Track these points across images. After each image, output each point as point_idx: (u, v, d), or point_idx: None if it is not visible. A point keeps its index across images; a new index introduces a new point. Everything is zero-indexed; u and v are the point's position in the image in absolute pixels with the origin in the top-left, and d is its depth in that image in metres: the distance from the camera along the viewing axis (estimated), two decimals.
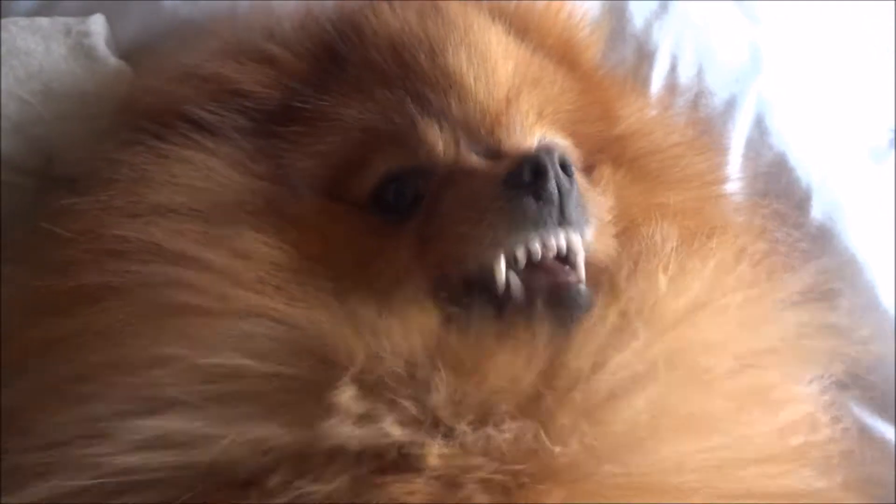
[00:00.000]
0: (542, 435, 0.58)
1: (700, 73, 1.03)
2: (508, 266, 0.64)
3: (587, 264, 0.68)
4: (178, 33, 0.91)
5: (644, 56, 1.02)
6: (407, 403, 0.58)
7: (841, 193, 1.03)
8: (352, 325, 0.61)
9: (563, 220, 0.65)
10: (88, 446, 0.57)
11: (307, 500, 0.56)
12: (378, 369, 0.59)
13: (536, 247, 0.64)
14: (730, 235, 0.82)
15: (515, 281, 0.64)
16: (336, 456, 0.57)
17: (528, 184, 0.64)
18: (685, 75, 1.03)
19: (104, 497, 0.57)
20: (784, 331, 0.74)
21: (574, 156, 0.78)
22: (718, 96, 1.03)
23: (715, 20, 1.08)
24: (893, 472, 0.94)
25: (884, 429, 0.96)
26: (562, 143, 0.78)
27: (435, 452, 0.58)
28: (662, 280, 0.69)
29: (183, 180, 0.72)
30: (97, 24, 0.86)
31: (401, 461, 0.57)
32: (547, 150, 0.67)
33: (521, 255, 0.64)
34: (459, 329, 0.62)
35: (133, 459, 0.56)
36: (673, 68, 1.03)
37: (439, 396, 0.59)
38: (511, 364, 0.61)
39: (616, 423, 0.60)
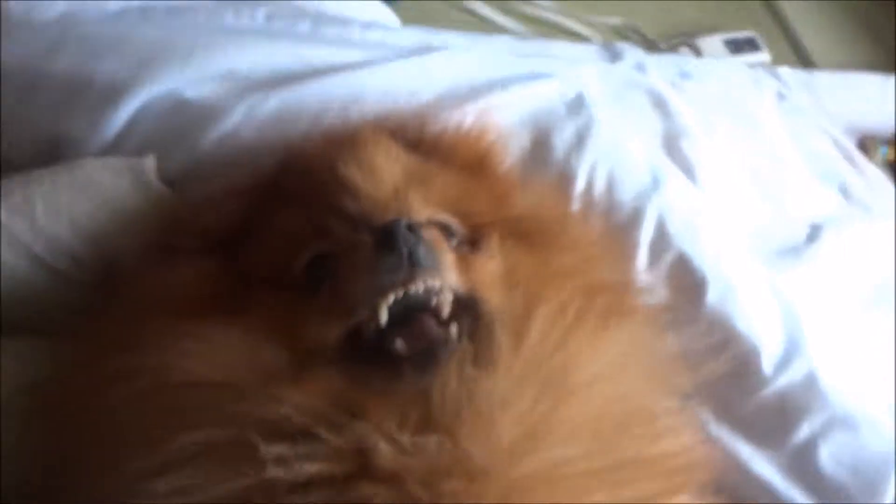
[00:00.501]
0: (451, 442, 0.72)
1: (610, 190, 1.25)
2: (391, 311, 0.81)
3: (481, 312, 0.85)
4: (209, 168, 1.17)
5: (565, 178, 1.25)
6: (316, 446, 0.73)
7: (733, 281, 1.21)
8: (271, 393, 0.77)
9: (415, 265, 0.81)
10: (133, 496, 0.74)
11: None
12: (290, 426, 0.74)
13: (399, 288, 0.81)
14: (607, 291, 0.96)
15: (401, 344, 0.81)
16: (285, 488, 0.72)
17: (385, 244, 0.82)
18: (598, 192, 1.25)
19: None
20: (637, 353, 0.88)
21: (458, 229, 0.95)
22: (626, 208, 1.24)
23: (622, 149, 1.32)
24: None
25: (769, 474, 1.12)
26: (446, 219, 0.95)
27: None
28: (535, 322, 0.84)
29: (166, 289, 0.94)
30: (150, 163, 1.11)
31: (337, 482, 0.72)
32: (395, 220, 0.83)
33: (391, 296, 0.81)
34: (357, 384, 0.79)
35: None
36: (589, 186, 1.25)
37: (344, 438, 0.74)
38: (399, 404, 0.76)
39: (501, 434, 0.73)
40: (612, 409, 0.81)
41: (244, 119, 1.19)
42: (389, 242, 0.82)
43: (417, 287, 0.82)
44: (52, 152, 1.18)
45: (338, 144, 1.02)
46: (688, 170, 1.43)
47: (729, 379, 1.09)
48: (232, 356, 0.83)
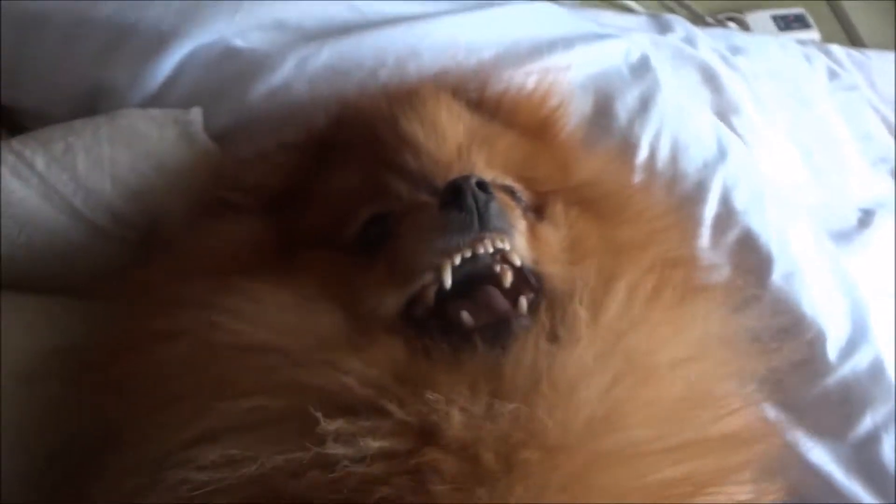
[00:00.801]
0: (527, 414, 0.69)
1: (674, 160, 1.20)
2: (455, 277, 0.77)
3: (544, 285, 0.82)
4: (256, 123, 1.11)
5: (628, 146, 1.19)
6: (380, 420, 0.70)
7: (798, 260, 1.17)
8: (329, 361, 0.73)
9: (484, 226, 0.77)
10: (177, 468, 0.70)
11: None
12: (351, 398, 0.71)
13: (467, 249, 0.77)
14: (679, 266, 0.93)
15: (467, 317, 0.77)
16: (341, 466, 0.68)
17: (452, 201, 0.78)
18: (662, 161, 1.19)
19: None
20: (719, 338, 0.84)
21: (522, 195, 0.92)
22: (690, 179, 1.19)
23: (687, 116, 1.25)
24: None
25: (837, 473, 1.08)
26: (510, 184, 0.91)
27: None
28: (613, 298, 0.80)
29: (214, 246, 0.91)
30: (197, 115, 1.06)
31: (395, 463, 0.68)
32: (464, 176, 0.80)
33: (457, 257, 0.77)
34: (422, 355, 0.74)
35: (206, 476, 0.69)
36: (652, 155, 1.20)
37: (410, 411, 0.70)
38: (468, 375, 0.72)
39: (579, 409, 0.71)
40: (689, 392, 0.78)
41: (295, 71, 1.13)
42: (458, 200, 0.77)
43: (486, 248, 0.79)
44: (91, 105, 1.13)
45: (398, 100, 0.97)
46: None
47: (792, 365, 1.02)
48: (285, 319, 0.79)
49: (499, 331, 0.76)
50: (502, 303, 0.78)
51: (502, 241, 0.79)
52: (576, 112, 1.14)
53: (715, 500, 0.72)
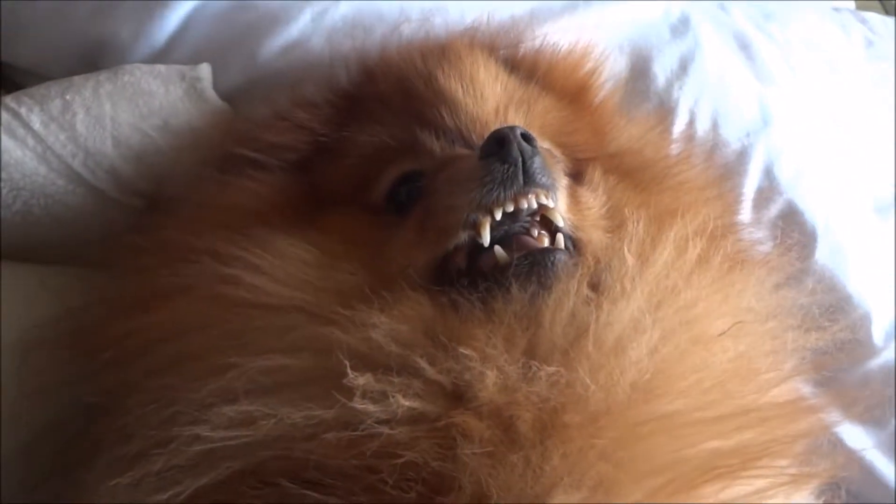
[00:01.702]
0: (568, 377, 0.64)
1: (715, 127, 1.13)
2: (492, 235, 0.72)
3: (581, 249, 0.77)
4: (269, 82, 1.03)
5: (665, 112, 1.11)
6: (410, 380, 0.65)
7: (842, 237, 1.11)
8: (356, 317, 0.68)
9: (529, 181, 0.73)
10: (190, 425, 0.65)
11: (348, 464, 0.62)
12: (379, 355, 0.66)
13: (509, 203, 0.72)
14: (725, 237, 0.86)
15: (500, 251, 0.72)
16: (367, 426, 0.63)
17: (495, 152, 0.73)
18: (702, 128, 1.12)
19: (209, 464, 0.65)
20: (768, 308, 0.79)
21: (561, 158, 0.87)
22: (731, 148, 1.12)
23: (729, 81, 1.17)
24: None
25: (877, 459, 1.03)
26: (549, 147, 0.86)
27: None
28: (661, 253, 0.75)
29: (235, 201, 0.85)
30: (206, 71, 0.99)
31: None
32: (510, 126, 0.75)
33: (498, 212, 0.72)
34: (452, 310, 0.69)
35: (220, 435, 0.65)
36: (691, 122, 1.12)
37: (443, 369, 0.65)
38: (503, 328, 0.67)
39: (625, 371, 0.66)
40: (736, 362, 0.73)
41: (312, 25, 1.05)
42: (502, 151, 0.72)
43: (530, 203, 0.74)
44: (92, 63, 1.04)
45: (432, 55, 0.91)
46: None
47: (835, 345, 0.96)
48: (307, 275, 0.74)
49: (536, 264, 0.71)
50: (534, 242, 0.74)
51: (546, 196, 0.74)
52: (611, 74, 1.06)
53: (762, 475, 0.67)
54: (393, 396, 0.63)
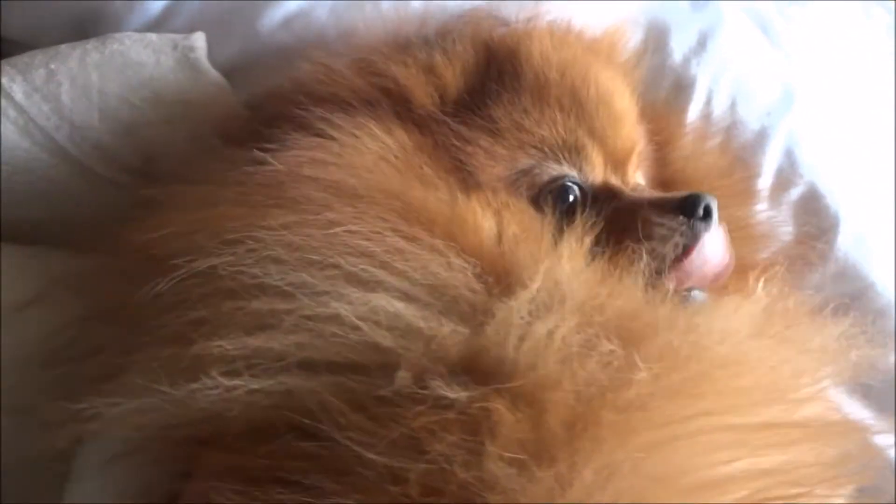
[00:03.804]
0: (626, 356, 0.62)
1: (733, 106, 1.06)
2: None
3: None
4: (272, 56, 0.96)
5: (682, 89, 1.05)
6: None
7: (866, 224, 1.04)
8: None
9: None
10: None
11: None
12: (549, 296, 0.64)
13: None
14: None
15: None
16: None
17: (699, 217, 0.78)
18: (719, 108, 1.05)
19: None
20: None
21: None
22: (750, 128, 1.05)
23: (749, 58, 1.10)
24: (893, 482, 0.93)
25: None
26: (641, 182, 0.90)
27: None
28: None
29: (372, 147, 0.77)
30: (200, 41, 0.91)
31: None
32: (710, 196, 0.80)
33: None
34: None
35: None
36: (708, 101, 1.05)
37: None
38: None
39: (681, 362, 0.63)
40: (770, 373, 0.69)
41: None
42: (706, 218, 0.79)
43: None
44: (86, 34, 0.96)
45: (594, 51, 0.91)
46: None
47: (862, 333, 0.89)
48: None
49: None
50: None
51: None
52: (625, 46, 0.99)
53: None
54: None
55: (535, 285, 0.64)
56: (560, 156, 0.83)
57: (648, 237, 0.77)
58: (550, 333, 0.62)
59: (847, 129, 1.20)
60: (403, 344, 0.61)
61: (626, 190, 0.85)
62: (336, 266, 0.64)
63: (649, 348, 0.62)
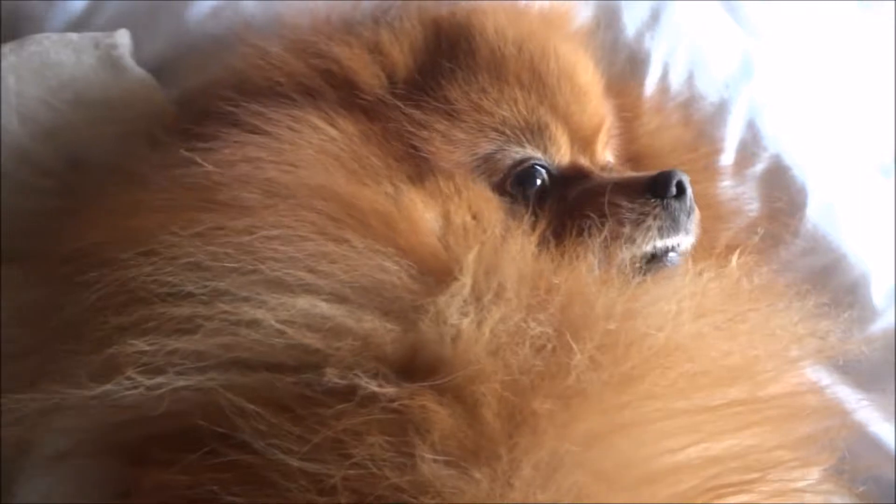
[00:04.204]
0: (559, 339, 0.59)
1: (691, 79, 1.02)
2: None
3: None
4: (202, 48, 0.92)
5: (637, 64, 1.01)
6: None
7: (835, 194, 1.01)
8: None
9: (682, 228, 0.77)
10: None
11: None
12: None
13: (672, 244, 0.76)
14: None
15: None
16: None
17: (672, 195, 0.76)
18: (677, 81, 1.02)
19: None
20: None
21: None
22: (709, 101, 1.02)
23: (706, 29, 1.06)
24: (892, 470, 0.91)
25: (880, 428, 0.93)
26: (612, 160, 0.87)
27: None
28: None
29: (312, 140, 0.73)
30: (123, 38, 0.88)
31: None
32: (680, 171, 0.78)
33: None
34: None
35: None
36: (665, 75, 1.02)
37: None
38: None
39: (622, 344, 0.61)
40: (733, 353, 0.67)
41: None
42: (681, 196, 0.78)
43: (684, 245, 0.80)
44: (13, 37, 0.91)
45: (552, 25, 0.88)
46: None
47: (832, 311, 0.86)
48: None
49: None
50: None
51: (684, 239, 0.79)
52: (573, 22, 0.95)
53: (772, 490, 0.61)
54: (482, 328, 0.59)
55: (466, 278, 0.62)
56: (522, 137, 0.80)
57: (619, 223, 0.75)
58: (480, 324, 0.59)
59: (813, 100, 1.16)
60: (332, 344, 0.59)
61: (595, 170, 0.82)
62: (257, 272, 0.61)
63: (588, 335, 0.60)
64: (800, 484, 0.64)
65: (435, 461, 0.54)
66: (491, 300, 0.61)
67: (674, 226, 0.77)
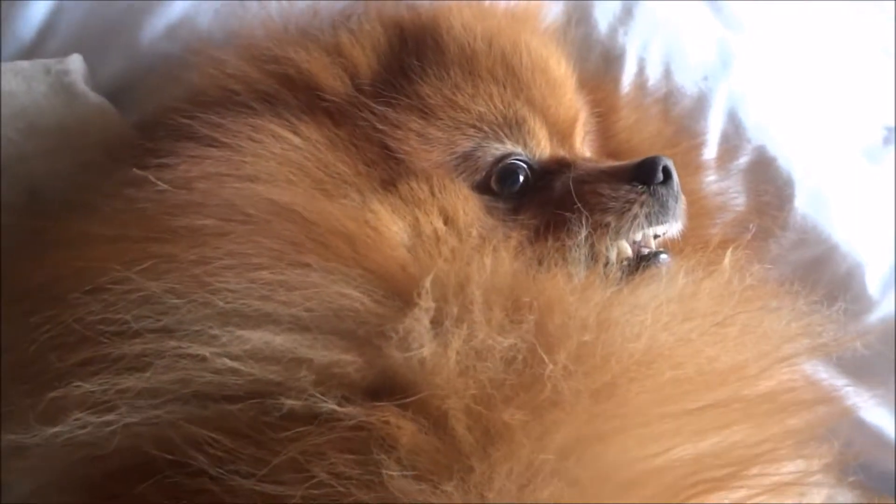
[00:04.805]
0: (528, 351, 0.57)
1: (668, 74, 1.00)
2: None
3: None
4: (159, 69, 0.89)
5: (611, 60, 0.99)
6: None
7: (824, 183, 0.98)
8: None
9: (671, 214, 0.76)
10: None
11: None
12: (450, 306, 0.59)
13: (662, 232, 0.76)
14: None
15: (625, 245, 0.73)
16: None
17: (659, 181, 0.74)
18: (654, 76, 0.99)
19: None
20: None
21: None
22: (688, 94, 0.99)
23: (680, 21, 1.04)
24: (892, 461, 0.90)
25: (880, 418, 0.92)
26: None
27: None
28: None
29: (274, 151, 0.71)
30: (75, 63, 0.85)
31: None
32: (665, 157, 0.76)
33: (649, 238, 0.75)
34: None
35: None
36: (641, 70, 0.99)
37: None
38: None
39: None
40: (719, 352, 0.65)
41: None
42: (667, 182, 0.76)
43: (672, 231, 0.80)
44: None
45: (520, 21, 0.85)
46: None
47: (825, 305, 0.83)
48: None
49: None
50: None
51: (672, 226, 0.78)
52: (544, 20, 0.93)
53: (756, 485, 0.59)
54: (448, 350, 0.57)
55: (427, 302, 0.59)
56: (501, 133, 0.77)
57: (603, 211, 0.73)
58: (446, 348, 0.57)
59: (789, 84, 1.13)
60: (293, 375, 0.56)
61: (578, 159, 0.80)
62: (210, 304, 0.58)
63: (561, 347, 0.58)
64: (791, 476, 0.62)
65: (403, 476, 0.52)
66: (455, 322, 0.58)
67: (663, 211, 0.75)
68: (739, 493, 0.58)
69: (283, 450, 0.53)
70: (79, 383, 0.56)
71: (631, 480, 0.55)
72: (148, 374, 0.56)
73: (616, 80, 0.98)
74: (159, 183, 0.65)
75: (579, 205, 0.72)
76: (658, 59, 1.00)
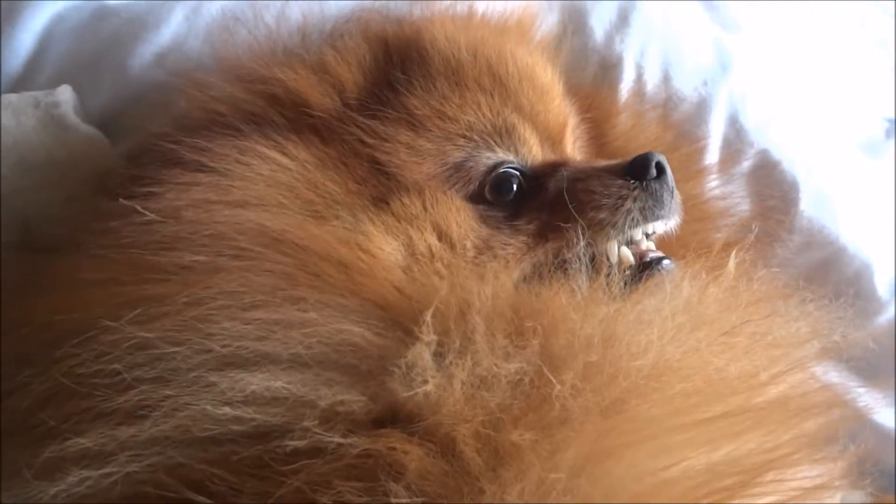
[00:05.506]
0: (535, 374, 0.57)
1: (666, 79, 0.98)
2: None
3: None
4: (147, 96, 0.87)
5: (609, 68, 0.97)
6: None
7: (828, 184, 0.97)
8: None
9: (667, 211, 0.75)
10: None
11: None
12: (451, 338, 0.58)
13: (659, 228, 0.75)
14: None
15: (627, 252, 0.73)
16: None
17: (653, 177, 0.74)
18: (652, 82, 0.97)
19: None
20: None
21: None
22: (688, 100, 0.98)
23: (677, 26, 1.02)
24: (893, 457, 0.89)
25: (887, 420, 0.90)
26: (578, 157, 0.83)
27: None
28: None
29: (263, 173, 0.70)
30: (65, 94, 0.83)
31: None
32: (657, 152, 0.76)
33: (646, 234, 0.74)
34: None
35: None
36: (639, 77, 0.97)
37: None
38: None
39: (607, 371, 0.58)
40: (729, 360, 0.63)
41: (186, 26, 0.88)
42: (661, 177, 0.76)
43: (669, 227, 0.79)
44: None
45: (503, 32, 0.85)
46: None
47: (834, 307, 0.81)
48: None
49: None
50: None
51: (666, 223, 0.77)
52: (540, 31, 0.91)
53: (770, 491, 0.58)
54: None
55: (429, 336, 0.57)
56: (491, 141, 0.76)
57: (596, 208, 0.73)
58: (450, 379, 0.56)
59: (795, 87, 1.12)
60: (296, 416, 0.55)
61: (571, 160, 0.80)
62: (206, 350, 0.56)
63: (567, 367, 0.57)
64: (809, 482, 0.61)
65: (412, 502, 0.51)
66: (458, 353, 0.57)
67: (658, 206, 0.75)
68: (766, 500, 0.57)
69: (287, 481, 0.52)
70: (75, 440, 0.54)
71: (643, 493, 0.54)
72: (147, 425, 0.55)
73: (613, 87, 0.97)
74: (146, 213, 0.63)
75: (572, 204, 0.72)
76: (656, 65, 0.98)
